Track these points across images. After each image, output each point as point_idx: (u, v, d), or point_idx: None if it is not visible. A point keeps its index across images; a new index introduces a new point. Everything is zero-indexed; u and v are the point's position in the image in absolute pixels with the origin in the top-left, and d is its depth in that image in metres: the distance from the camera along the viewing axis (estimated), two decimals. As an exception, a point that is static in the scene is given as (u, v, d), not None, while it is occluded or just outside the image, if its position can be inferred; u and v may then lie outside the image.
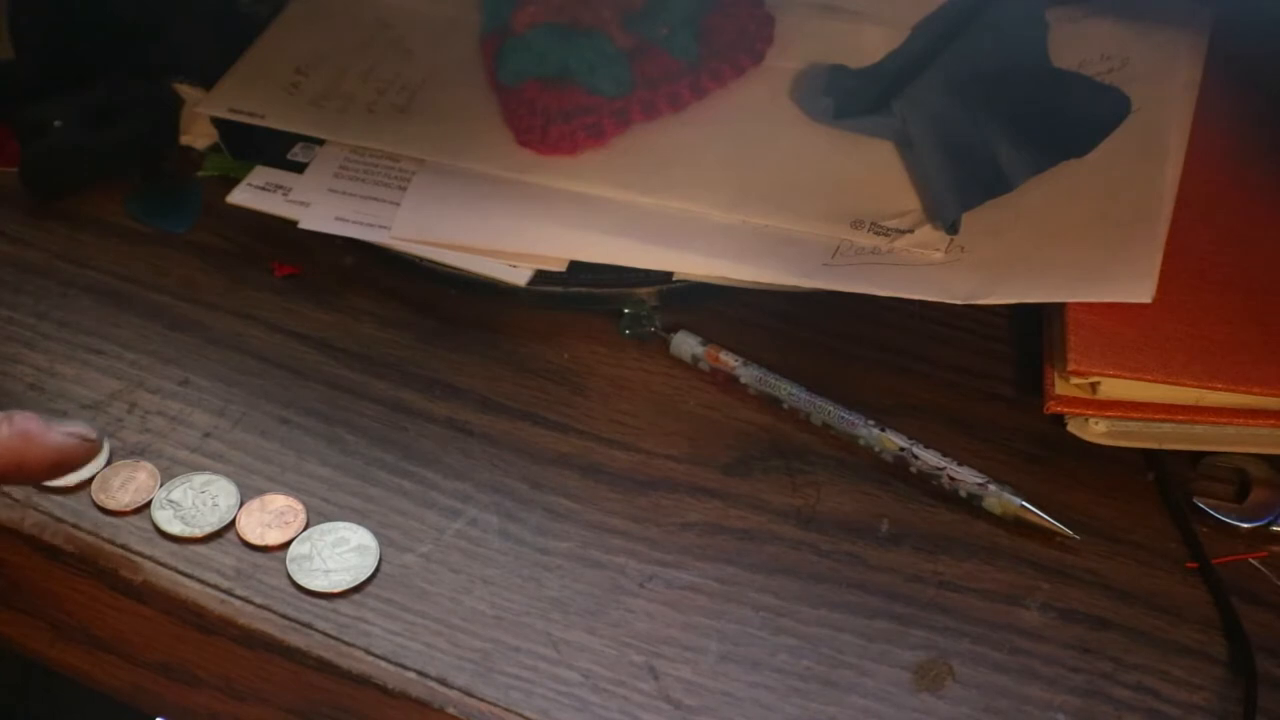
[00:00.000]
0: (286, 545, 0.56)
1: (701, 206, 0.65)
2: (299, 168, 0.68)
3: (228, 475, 0.58)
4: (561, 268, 0.64)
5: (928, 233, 0.63)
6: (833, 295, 0.62)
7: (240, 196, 0.67)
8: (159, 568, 0.55)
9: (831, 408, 0.59)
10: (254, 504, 0.57)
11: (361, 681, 0.52)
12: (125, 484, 0.58)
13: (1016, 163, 0.63)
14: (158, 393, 0.61)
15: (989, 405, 0.61)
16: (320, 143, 0.69)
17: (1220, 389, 0.57)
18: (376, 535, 0.56)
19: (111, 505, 0.57)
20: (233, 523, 0.56)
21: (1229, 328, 0.59)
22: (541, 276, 0.64)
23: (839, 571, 0.55)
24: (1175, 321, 0.59)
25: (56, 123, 0.69)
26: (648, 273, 0.64)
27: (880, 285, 0.61)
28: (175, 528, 0.56)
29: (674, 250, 0.64)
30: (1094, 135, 0.64)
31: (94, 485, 0.57)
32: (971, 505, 0.57)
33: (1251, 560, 0.55)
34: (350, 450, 0.59)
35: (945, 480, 0.57)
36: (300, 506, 0.57)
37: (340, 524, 0.56)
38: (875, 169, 0.66)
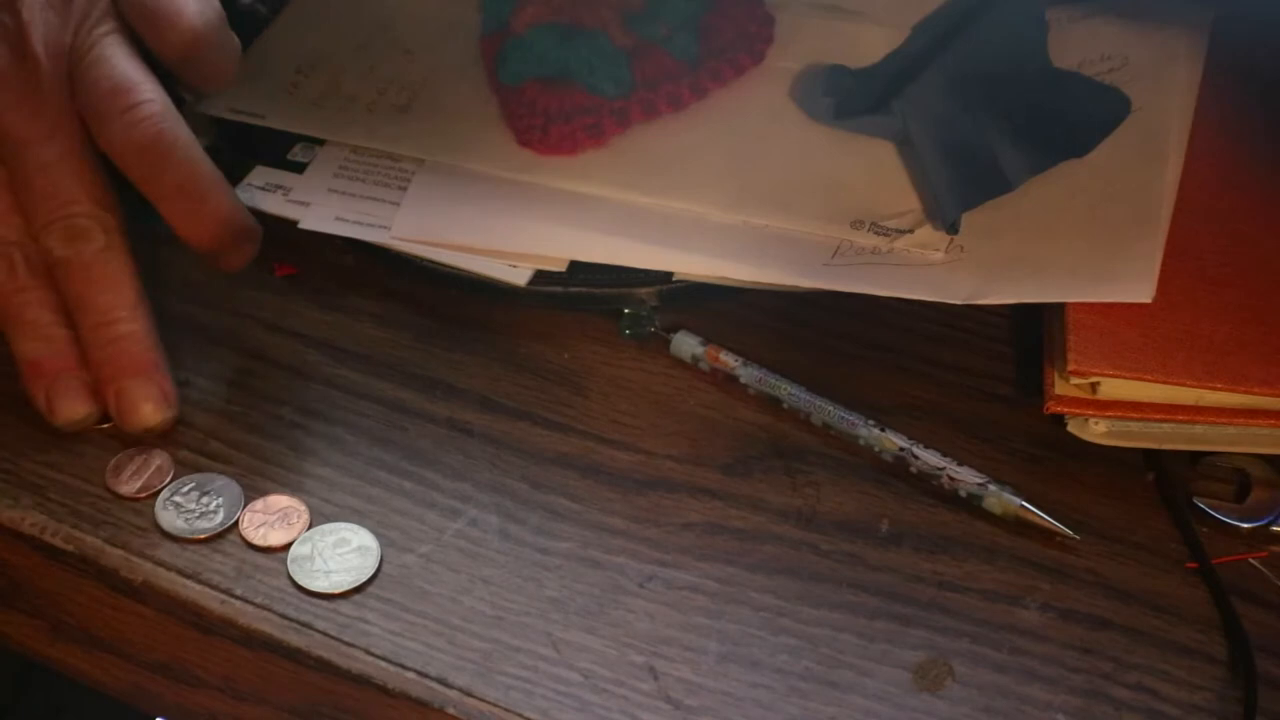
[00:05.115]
0: (287, 546, 0.55)
1: (701, 206, 0.65)
2: (299, 168, 0.68)
3: (229, 476, 0.58)
4: (561, 268, 0.64)
5: (928, 233, 0.63)
6: (833, 295, 0.62)
7: (240, 196, 0.67)
8: (159, 568, 0.55)
9: (831, 408, 0.59)
10: (255, 505, 0.57)
11: (361, 681, 0.52)
12: (139, 471, 0.57)
13: (1016, 163, 0.63)
14: (158, 393, 0.61)
15: (989, 405, 0.61)
16: (320, 143, 0.69)
17: (1220, 389, 0.57)
18: (377, 535, 0.56)
19: (123, 491, 0.57)
20: (234, 523, 0.56)
21: (1229, 328, 0.59)
22: (541, 276, 0.64)
23: (839, 571, 0.55)
24: (1175, 321, 0.59)
25: (56, 123, 0.69)
26: (648, 273, 0.64)
27: (880, 285, 0.61)
28: (176, 528, 0.56)
29: (674, 250, 0.64)
30: (1094, 135, 0.64)
31: (107, 472, 0.57)
32: (971, 505, 0.57)
33: (1251, 560, 0.55)
34: (350, 450, 0.59)
35: (945, 480, 0.57)
36: (303, 507, 0.57)
37: (341, 525, 0.56)
38: (875, 169, 0.66)
